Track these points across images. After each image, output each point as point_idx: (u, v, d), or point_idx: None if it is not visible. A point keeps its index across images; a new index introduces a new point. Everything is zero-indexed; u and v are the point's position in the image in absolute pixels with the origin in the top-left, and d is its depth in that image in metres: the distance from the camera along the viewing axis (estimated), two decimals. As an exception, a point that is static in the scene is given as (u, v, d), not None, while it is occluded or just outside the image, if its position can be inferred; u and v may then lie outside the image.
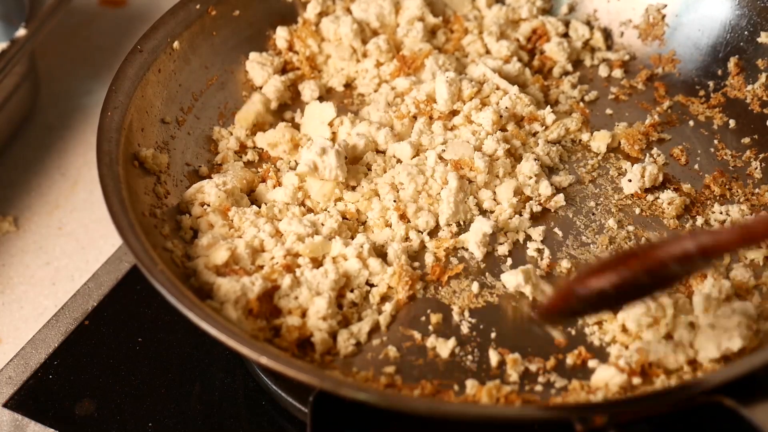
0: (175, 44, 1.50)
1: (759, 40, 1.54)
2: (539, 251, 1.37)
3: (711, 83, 1.57)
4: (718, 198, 1.43)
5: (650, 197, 1.43)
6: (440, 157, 1.43)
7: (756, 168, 1.46)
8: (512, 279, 1.32)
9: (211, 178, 1.43)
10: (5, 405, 1.37)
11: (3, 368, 1.41)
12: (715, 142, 1.51)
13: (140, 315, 1.46)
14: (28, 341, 1.44)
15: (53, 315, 1.46)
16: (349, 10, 1.64)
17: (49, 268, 1.61)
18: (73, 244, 1.65)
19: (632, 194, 1.43)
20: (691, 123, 1.53)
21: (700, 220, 1.40)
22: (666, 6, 1.62)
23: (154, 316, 1.46)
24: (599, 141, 1.50)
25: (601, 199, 1.44)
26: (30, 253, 1.63)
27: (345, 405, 1.17)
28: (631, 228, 1.39)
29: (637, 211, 1.42)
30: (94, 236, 1.65)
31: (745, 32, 1.55)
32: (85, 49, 1.95)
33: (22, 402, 1.37)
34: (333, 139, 1.49)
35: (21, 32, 1.65)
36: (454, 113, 1.51)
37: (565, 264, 1.35)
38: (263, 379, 1.37)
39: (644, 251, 1.10)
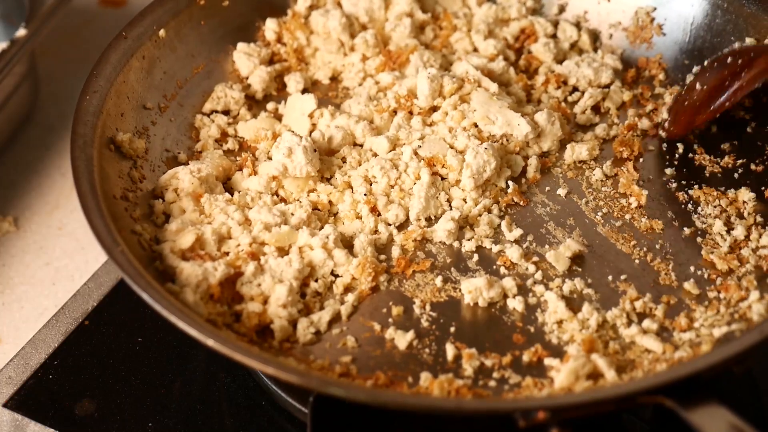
0: (161, 32, 1.52)
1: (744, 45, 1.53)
2: (503, 248, 1.37)
3: (696, 87, 1.57)
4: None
5: (624, 200, 1.43)
6: (415, 153, 1.44)
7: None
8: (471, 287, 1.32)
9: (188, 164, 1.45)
10: (5, 405, 1.38)
11: (3, 368, 1.41)
12: (695, 146, 1.50)
13: (140, 315, 1.45)
14: (28, 341, 1.44)
15: (53, 315, 1.47)
16: (339, 4, 1.65)
17: (49, 268, 1.61)
18: (73, 244, 1.65)
19: (607, 195, 1.43)
20: (673, 127, 1.53)
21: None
22: (655, 9, 1.61)
23: (154, 316, 1.40)
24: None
25: (574, 197, 1.44)
26: (30, 253, 1.63)
27: (345, 405, 1.17)
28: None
29: (608, 210, 1.42)
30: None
31: (731, 37, 1.54)
32: (85, 49, 1.96)
33: (22, 402, 1.38)
34: (312, 131, 1.50)
35: (21, 32, 1.65)
36: (434, 109, 1.51)
37: (532, 268, 1.35)
38: (263, 380, 1.38)
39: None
